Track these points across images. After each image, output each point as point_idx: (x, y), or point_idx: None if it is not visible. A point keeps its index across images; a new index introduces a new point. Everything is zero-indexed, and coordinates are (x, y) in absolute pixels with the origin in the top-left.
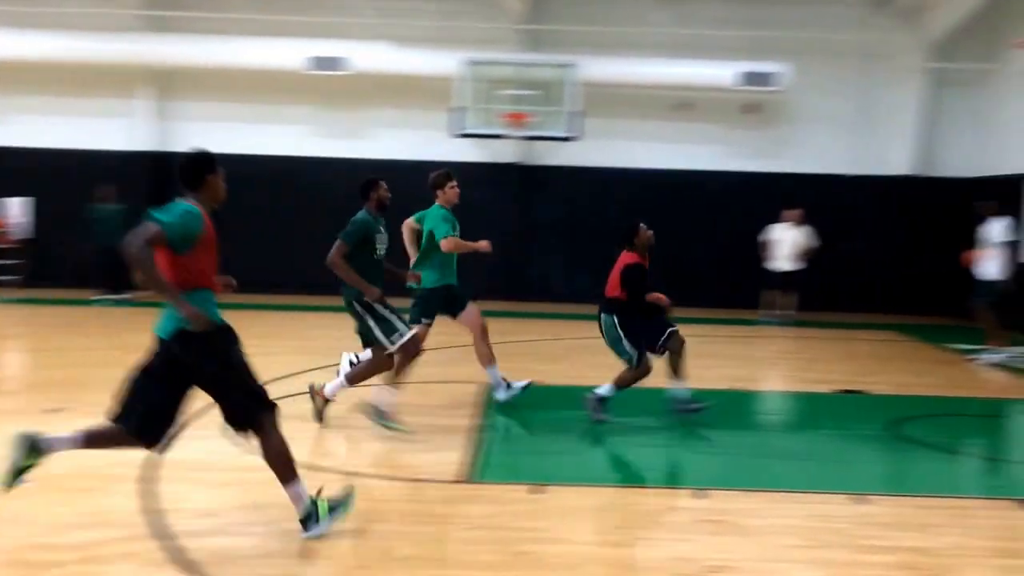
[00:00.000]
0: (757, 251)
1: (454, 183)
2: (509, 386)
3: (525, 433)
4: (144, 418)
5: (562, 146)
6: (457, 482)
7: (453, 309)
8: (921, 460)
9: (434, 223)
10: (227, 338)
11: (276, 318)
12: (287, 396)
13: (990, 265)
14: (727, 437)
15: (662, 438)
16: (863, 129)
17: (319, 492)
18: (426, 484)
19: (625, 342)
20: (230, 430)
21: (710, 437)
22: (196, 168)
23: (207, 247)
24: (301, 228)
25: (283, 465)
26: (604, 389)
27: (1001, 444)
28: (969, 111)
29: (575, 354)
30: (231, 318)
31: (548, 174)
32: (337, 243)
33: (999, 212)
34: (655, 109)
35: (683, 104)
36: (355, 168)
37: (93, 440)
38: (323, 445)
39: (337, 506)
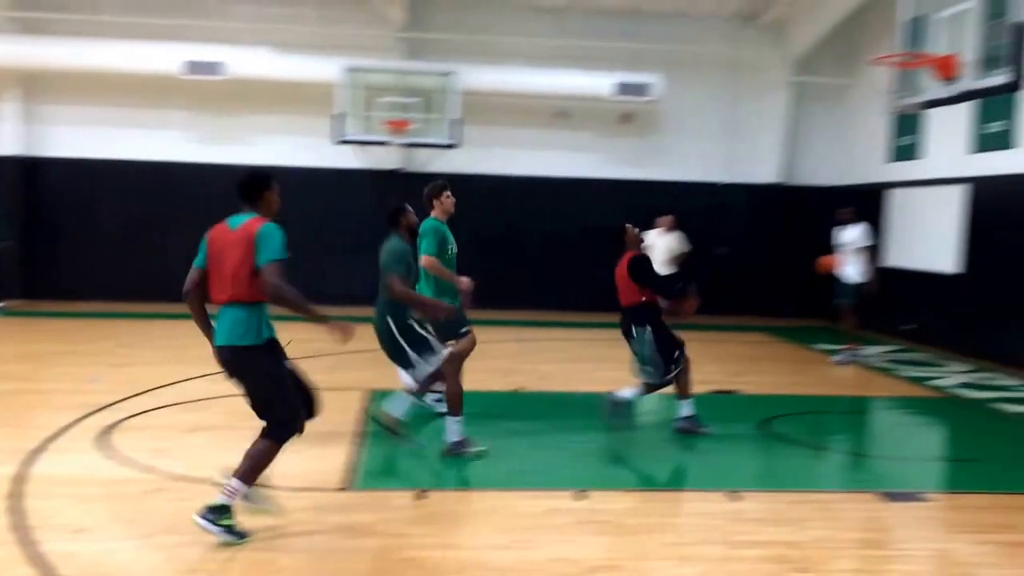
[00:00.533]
0: None
1: (449, 192)
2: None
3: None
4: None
5: (444, 153)
6: (340, 490)
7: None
8: (791, 457)
9: (423, 236)
10: (275, 352)
11: (147, 327)
12: (160, 407)
13: (850, 269)
14: (607, 438)
15: (543, 440)
16: (733, 139)
17: (234, 510)
18: (308, 493)
19: (656, 356)
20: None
21: (590, 439)
22: (255, 185)
23: None
24: (177, 234)
25: (256, 467)
26: (628, 392)
27: (863, 439)
28: (830, 123)
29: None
30: (104, 327)
31: (429, 181)
32: (391, 277)
33: (857, 218)
34: (534, 117)
35: (561, 113)
36: (234, 174)
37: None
38: (202, 454)
39: (235, 533)
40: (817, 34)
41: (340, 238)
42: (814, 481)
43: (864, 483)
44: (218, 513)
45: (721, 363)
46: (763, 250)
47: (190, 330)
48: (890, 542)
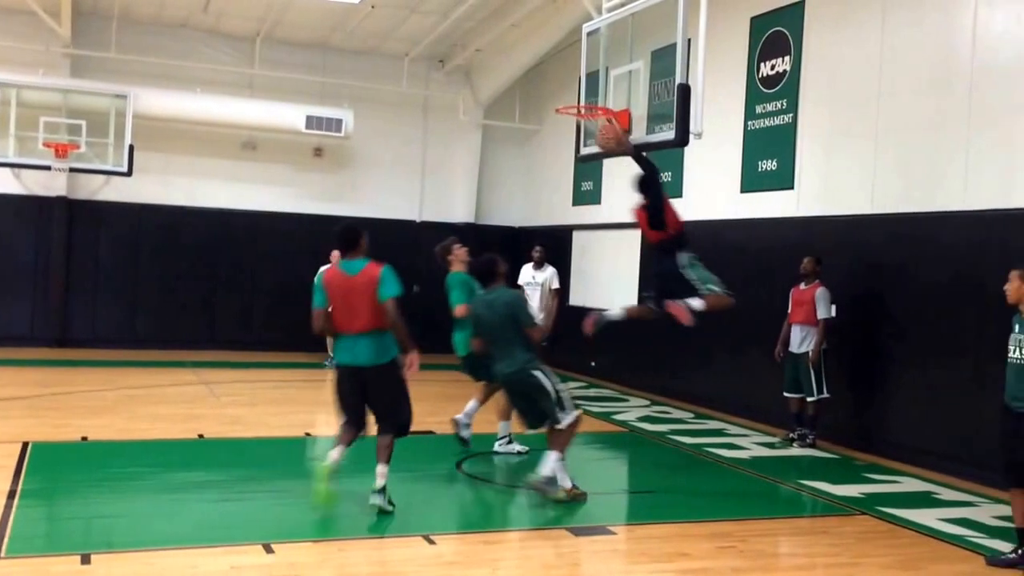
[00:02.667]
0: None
1: (459, 244)
2: (510, 441)
3: (72, 495)
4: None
5: (120, 181)
6: None
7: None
8: (485, 497)
9: (452, 288)
10: (401, 366)
11: None
12: None
13: (537, 310)
14: (295, 487)
15: (228, 491)
16: (426, 177)
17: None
18: None
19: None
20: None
21: (280, 488)
22: (352, 235)
23: None
24: None
25: (389, 455)
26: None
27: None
28: (520, 166)
29: (128, 404)
30: None
31: (102, 211)
32: (531, 330)
33: (546, 259)
34: (222, 147)
35: (248, 144)
36: None
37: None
38: None
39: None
40: (502, 81)
41: None
42: (508, 520)
43: (555, 520)
44: (383, 493)
45: (418, 402)
46: None
47: None
48: None
